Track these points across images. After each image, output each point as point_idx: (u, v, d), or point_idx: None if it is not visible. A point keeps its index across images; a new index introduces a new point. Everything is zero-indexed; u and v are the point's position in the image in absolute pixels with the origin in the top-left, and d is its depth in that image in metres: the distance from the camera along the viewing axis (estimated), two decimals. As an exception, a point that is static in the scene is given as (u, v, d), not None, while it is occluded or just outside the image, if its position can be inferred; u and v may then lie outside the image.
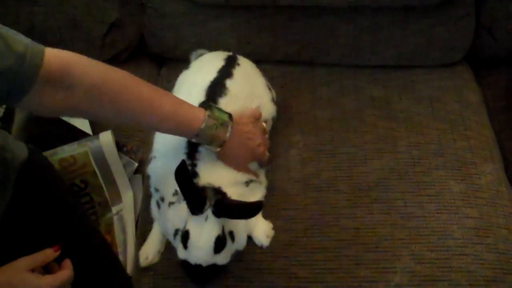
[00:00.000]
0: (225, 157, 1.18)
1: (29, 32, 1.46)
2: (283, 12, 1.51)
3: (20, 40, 0.91)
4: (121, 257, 1.29)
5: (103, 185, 1.38)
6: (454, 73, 1.59)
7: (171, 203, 1.18)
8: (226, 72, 1.28)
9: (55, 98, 0.95)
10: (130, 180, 1.40)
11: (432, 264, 1.24)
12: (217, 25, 1.54)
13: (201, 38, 1.55)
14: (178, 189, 1.13)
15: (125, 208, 1.37)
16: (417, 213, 1.31)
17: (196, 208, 1.09)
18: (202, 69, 1.34)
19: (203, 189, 1.11)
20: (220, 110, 1.14)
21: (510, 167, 1.45)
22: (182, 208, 1.13)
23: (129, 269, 1.28)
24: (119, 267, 1.23)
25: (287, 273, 1.23)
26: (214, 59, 1.34)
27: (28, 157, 1.23)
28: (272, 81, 1.44)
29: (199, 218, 1.09)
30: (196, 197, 1.08)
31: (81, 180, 1.38)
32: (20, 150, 1.24)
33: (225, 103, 1.22)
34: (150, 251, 1.26)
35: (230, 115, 1.15)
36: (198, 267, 1.13)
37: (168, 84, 1.45)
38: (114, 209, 1.37)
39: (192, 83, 1.30)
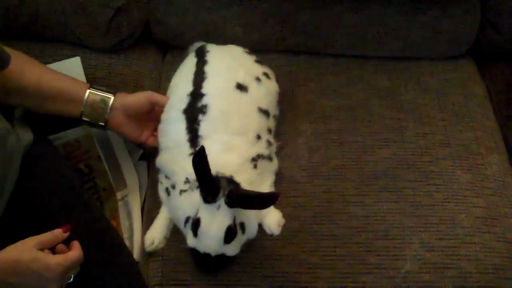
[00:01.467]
0: None
1: (33, 16, 1.47)
2: (291, 1, 1.50)
3: None
4: (127, 243, 1.27)
5: (108, 170, 1.36)
6: (458, 66, 1.60)
7: (182, 191, 1.17)
8: (201, 62, 1.31)
9: None
10: (135, 166, 1.38)
11: (441, 252, 1.24)
12: (224, 13, 1.52)
13: (207, 26, 1.53)
14: (189, 177, 1.14)
15: (130, 194, 1.35)
16: (426, 201, 1.31)
17: (210, 196, 1.07)
18: (183, 69, 1.36)
19: (217, 178, 1.10)
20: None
21: (513, 159, 1.46)
22: (194, 196, 1.12)
23: (135, 254, 1.26)
24: (126, 252, 1.21)
25: (297, 259, 1.23)
26: (189, 60, 1.36)
27: (33, 140, 1.22)
28: (278, 70, 1.44)
29: (211, 207, 1.08)
30: (211, 185, 1.07)
31: (86, 165, 1.36)
32: (25, 133, 1.22)
33: (209, 83, 1.24)
34: (156, 236, 1.24)
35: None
36: (206, 256, 1.12)
37: (172, 72, 1.44)
38: (119, 195, 1.34)
39: (179, 82, 1.32)
